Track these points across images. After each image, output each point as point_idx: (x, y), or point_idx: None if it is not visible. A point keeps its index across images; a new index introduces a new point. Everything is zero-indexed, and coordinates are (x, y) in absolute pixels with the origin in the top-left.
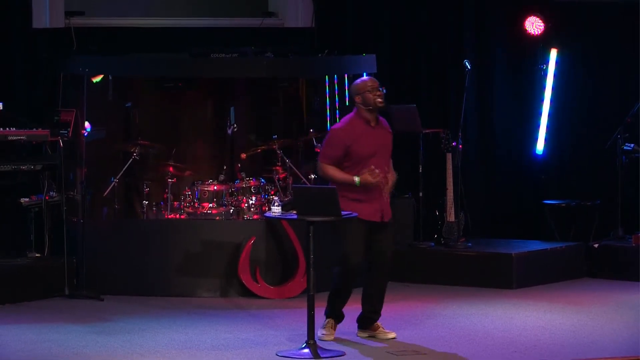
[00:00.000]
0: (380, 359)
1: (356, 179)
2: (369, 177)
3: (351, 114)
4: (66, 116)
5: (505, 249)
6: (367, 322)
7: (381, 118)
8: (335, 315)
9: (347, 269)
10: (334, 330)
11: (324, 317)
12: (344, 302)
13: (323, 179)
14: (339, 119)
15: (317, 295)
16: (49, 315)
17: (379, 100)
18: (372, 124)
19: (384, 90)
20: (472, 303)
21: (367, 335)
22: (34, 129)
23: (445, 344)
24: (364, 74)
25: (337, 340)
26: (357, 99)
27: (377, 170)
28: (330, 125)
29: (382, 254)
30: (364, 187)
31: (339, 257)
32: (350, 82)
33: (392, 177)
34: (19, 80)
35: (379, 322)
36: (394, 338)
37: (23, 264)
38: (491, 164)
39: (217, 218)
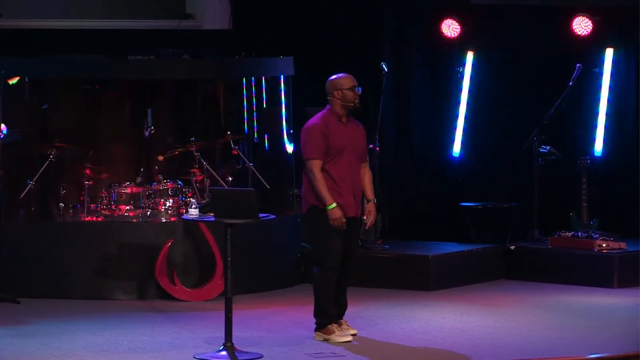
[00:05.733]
0: None
1: (333, 205)
2: (339, 215)
3: (323, 111)
4: None
5: (423, 250)
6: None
7: (356, 120)
8: (335, 317)
9: (327, 265)
10: (342, 329)
11: (318, 328)
12: (332, 301)
13: (308, 177)
14: (257, 121)
15: (235, 297)
16: None
17: (357, 100)
18: (344, 119)
19: (360, 90)
20: (390, 305)
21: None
22: None
23: (363, 346)
24: (281, 76)
25: (256, 341)
26: (337, 93)
27: (343, 221)
28: (248, 127)
29: (351, 249)
30: (340, 182)
31: (319, 254)
32: (267, 84)
33: (373, 211)
34: None
35: (344, 320)
36: (355, 334)
37: None
38: (408, 166)
39: (134, 220)
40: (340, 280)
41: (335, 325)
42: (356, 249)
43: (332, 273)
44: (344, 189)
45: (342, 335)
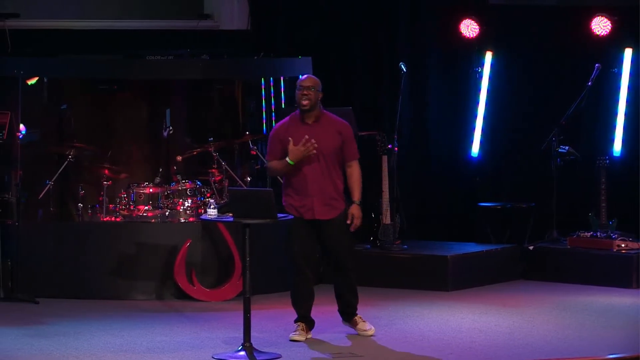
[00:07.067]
0: None
1: (287, 159)
2: (295, 151)
3: (292, 113)
4: (1, 118)
5: (441, 251)
6: (347, 316)
7: (334, 118)
8: (302, 318)
9: (294, 269)
10: (305, 332)
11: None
12: (305, 304)
13: (274, 178)
14: (275, 121)
15: (253, 297)
16: None
17: (303, 101)
18: (309, 121)
19: (319, 90)
20: (408, 305)
21: (349, 325)
22: None
23: (381, 346)
24: (300, 76)
25: (274, 341)
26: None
27: (306, 137)
28: (266, 127)
29: (333, 252)
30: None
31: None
32: (285, 85)
33: (355, 214)
34: None
35: (358, 317)
36: (373, 334)
37: None
38: (426, 166)
39: (153, 221)
40: (340, 281)
41: (302, 324)
42: (338, 248)
43: (298, 272)
44: (302, 191)
45: (294, 334)
